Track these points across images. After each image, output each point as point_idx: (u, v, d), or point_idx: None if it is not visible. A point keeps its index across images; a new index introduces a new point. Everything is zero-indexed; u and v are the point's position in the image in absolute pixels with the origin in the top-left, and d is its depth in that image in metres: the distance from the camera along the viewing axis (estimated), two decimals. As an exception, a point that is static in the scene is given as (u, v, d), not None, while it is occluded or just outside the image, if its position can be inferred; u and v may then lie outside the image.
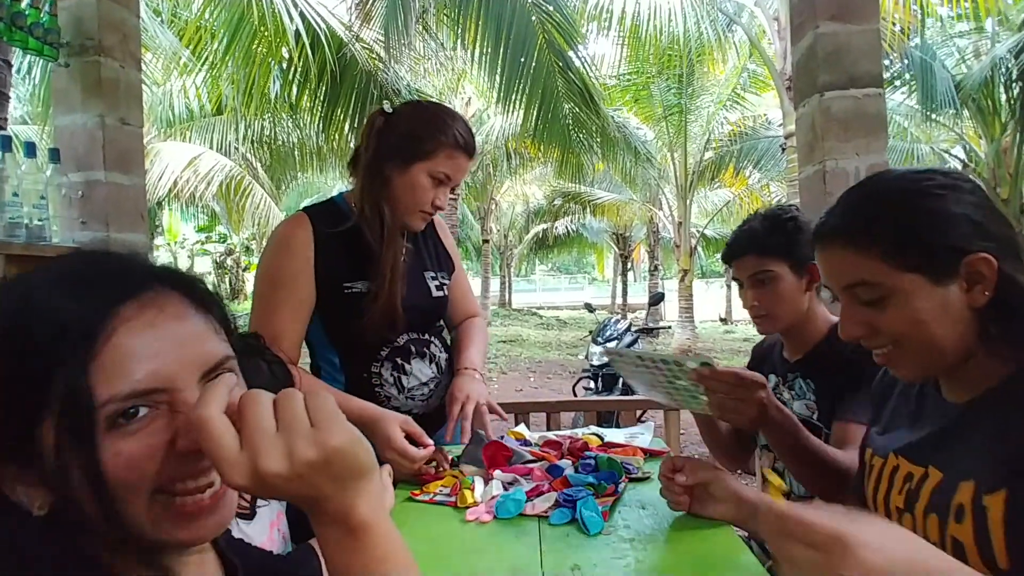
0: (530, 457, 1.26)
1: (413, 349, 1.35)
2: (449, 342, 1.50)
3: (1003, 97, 7.99)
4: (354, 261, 1.30)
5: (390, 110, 1.31)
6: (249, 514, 0.96)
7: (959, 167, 8.50)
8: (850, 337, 0.76)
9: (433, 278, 1.41)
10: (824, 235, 0.76)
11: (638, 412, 2.28)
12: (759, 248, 1.24)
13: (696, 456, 1.37)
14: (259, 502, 0.99)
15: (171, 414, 0.43)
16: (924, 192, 0.71)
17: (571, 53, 5.42)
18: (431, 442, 1.19)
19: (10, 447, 0.40)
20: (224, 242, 16.28)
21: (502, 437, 1.38)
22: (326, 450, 0.41)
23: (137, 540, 0.43)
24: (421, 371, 1.35)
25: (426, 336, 1.38)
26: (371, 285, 1.27)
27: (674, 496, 0.99)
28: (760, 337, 1.47)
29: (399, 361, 1.33)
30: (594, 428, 1.56)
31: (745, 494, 0.95)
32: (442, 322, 1.51)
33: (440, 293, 1.41)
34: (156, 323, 0.44)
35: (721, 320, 16.84)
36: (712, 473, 0.98)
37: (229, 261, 16.93)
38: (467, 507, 1.05)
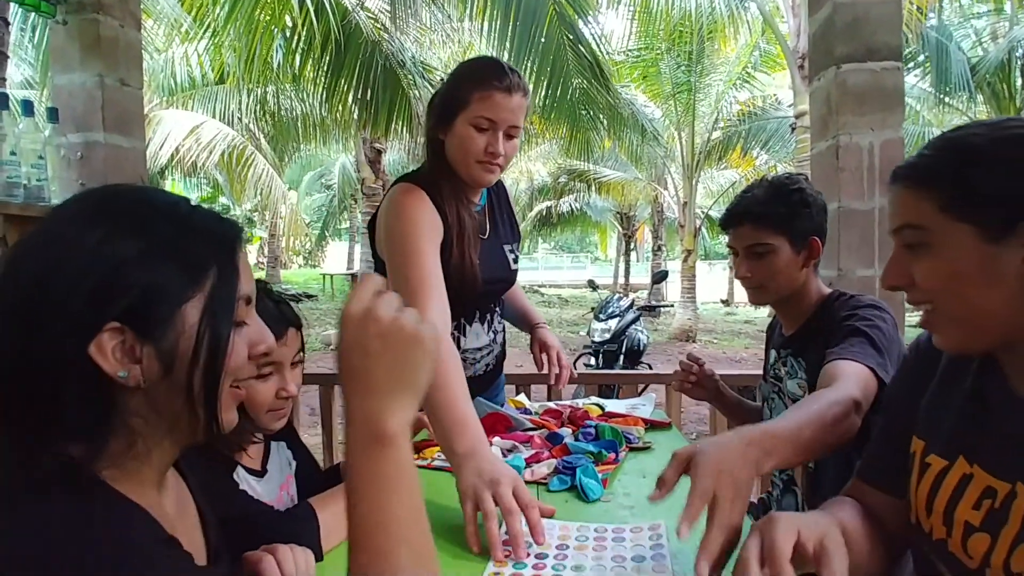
0: (530, 425, 1.26)
1: (478, 314, 1.37)
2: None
3: (1019, 81, 7.84)
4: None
5: None
6: (260, 472, 0.98)
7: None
8: (888, 285, 0.72)
9: (511, 251, 1.41)
10: (893, 175, 0.71)
11: (639, 387, 2.28)
12: (758, 220, 1.20)
13: (695, 433, 1.35)
14: (269, 463, 1.00)
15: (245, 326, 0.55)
16: (998, 139, 0.63)
17: (582, 25, 5.30)
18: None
19: (152, 319, 0.48)
20: (226, 213, 16.23)
21: (502, 405, 1.38)
22: (417, 333, 0.51)
23: (209, 421, 0.52)
24: (478, 336, 1.37)
25: (492, 305, 1.40)
26: (447, 250, 1.24)
27: None
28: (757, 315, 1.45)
29: (462, 321, 1.34)
30: (595, 398, 1.56)
31: None
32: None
33: (516, 266, 1.43)
34: None
35: (723, 302, 16.83)
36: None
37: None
38: (466, 473, 1.04)
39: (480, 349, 1.38)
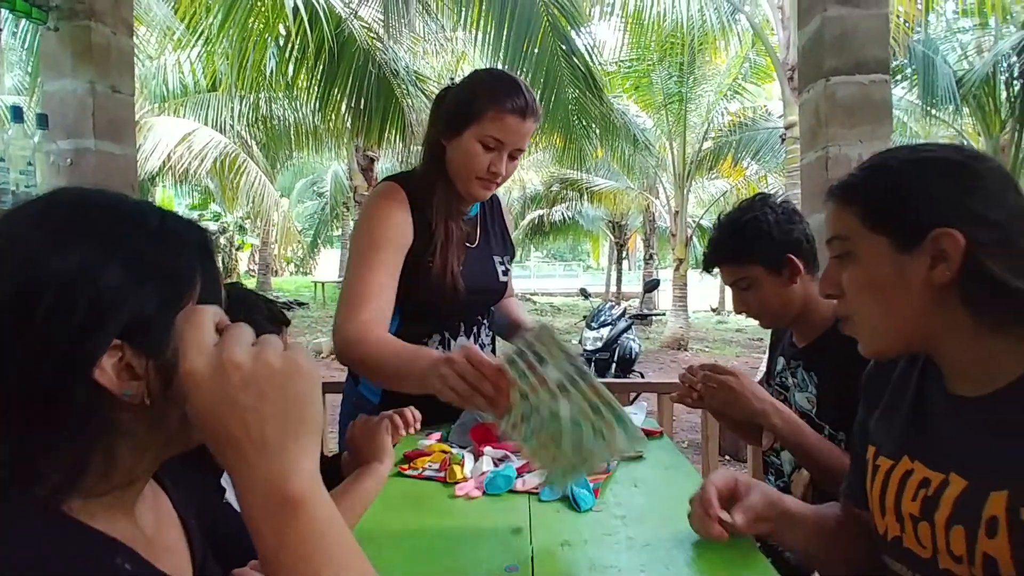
0: (522, 435, 1.25)
1: (463, 326, 1.33)
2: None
3: (1003, 94, 7.97)
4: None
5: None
6: None
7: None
8: (823, 293, 0.80)
9: (500, 263, 1.38)
10: (827, 192, 0.80)
11: (631, 395, 2.28)
12: (727, 259, 1.23)
13: (687, 442, 1.33)
14: None
15: None
16: (911, 160, 0.73)
17: (575, 36, 5.34)
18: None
19: (151, 335, 0.46)
20: (218, 220, 16.17)
21: (494, 415, 1.37)
22: (289, 365, 0.43)
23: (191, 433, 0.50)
24: None
25: (479, 318, 1.37)
26: (428, 258, 1.24)
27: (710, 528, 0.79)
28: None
29: (446, 335, 1.31)
30: (587, 409, 1.55)
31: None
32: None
33: (505, 279, 1.40)
34: None
35: (713, 310, 16.90)
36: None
37: (222, 240, 16.80)
38: (456, 482, 1.04)
39: None
